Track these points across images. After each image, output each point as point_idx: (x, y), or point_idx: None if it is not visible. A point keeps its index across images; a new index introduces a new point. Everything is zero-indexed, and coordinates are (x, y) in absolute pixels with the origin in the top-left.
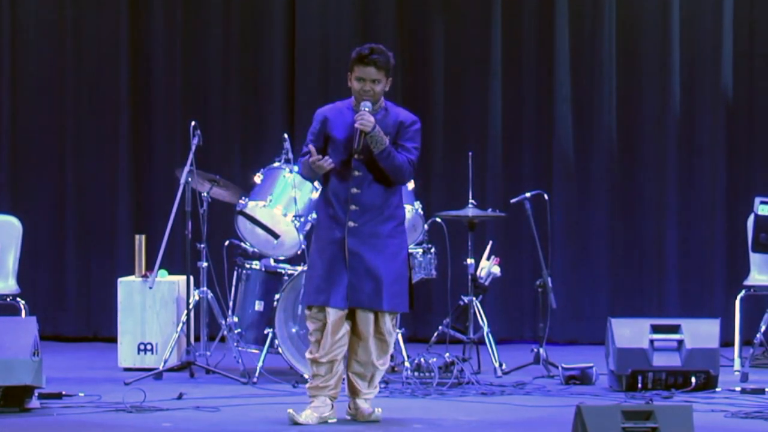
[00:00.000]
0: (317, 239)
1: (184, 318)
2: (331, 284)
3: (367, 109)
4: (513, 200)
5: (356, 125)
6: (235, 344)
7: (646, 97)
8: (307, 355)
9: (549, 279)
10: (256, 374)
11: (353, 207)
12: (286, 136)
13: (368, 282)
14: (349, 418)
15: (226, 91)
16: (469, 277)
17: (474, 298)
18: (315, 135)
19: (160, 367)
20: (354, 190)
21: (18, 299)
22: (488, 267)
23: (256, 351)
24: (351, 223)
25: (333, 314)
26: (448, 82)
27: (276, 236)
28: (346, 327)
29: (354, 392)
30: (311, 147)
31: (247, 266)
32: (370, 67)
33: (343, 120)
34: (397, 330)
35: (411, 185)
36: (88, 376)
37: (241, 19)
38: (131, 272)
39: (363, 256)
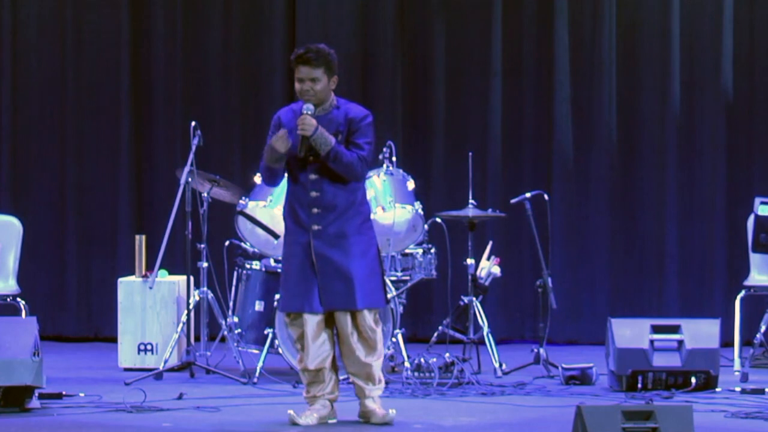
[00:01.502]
0: (286, 245)
1: (184, 318)
2: (303, 290)
3: (308, 112)
4: (513, 200)
5: (298, 131)
6: (236, 344)
7: (646, 97)
8: (297, 364)
9: (549, 279)
10: (256, 374)
11: (315, 210)
12: None
13: (339, 283)
14: (362, 421)
15: (226, 91)
16: (469, 277)
17: (474, 298)
18: None
19: (161, 367)
20: (314, 194)
21: (18, 299)
22: (488, 267)
23: (257, 351)
24: (315, 227)
25: (310, 320)
26: (449, 82)
27: (276, 236)
28: (327, 331)
29: (360, 393)
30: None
31: (248, 266)
32: (305, 66)
33: (295, 122)
34: (398, 330)
35: (411, 185)
36: (88, 376)
37: (241, 19)
38: (131, 272)
39: (331, 258)
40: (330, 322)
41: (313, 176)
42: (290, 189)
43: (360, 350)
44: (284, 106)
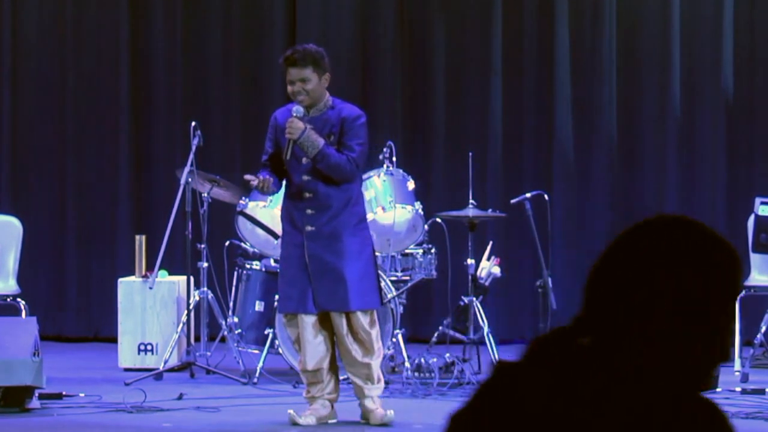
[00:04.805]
0: (282, 246)
1: (184, 318)
2: (298, 291)
3: (297, 115)
4: (513, 201)
5: (285, 134)
6: (236, 344)
7: (646, 97)
8: (297, 365)
9: (549, 279)
10: (257, 375)
11: (309, 211)
12: None
13: (333, 284)
14: (363, 422)
15: (226, 91)
16: (470, 277)
17: (474, 299)
18: (271, 141)
19: (161, 368)
20: (307, 195)
21: (18, 299)
22: (488, 267)
23: (257, 351)
24: (309, 228)
25: (306, 320)
26: (448, 82)
27: (276, 236)
28: (323, 332)
29: (359, 393)
30: (249, 177)
31: (248, 266)
32: (293, 68)
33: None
34: (398, 330)
35: (411, 185)
36: (88, 377)
37: (241, 19)
38: (131, 272)
39: (324, 259)
40: (326, 323)
41: (306, 177)
42: (286, 191)
43: (356, 351)
44: (281, 106)
